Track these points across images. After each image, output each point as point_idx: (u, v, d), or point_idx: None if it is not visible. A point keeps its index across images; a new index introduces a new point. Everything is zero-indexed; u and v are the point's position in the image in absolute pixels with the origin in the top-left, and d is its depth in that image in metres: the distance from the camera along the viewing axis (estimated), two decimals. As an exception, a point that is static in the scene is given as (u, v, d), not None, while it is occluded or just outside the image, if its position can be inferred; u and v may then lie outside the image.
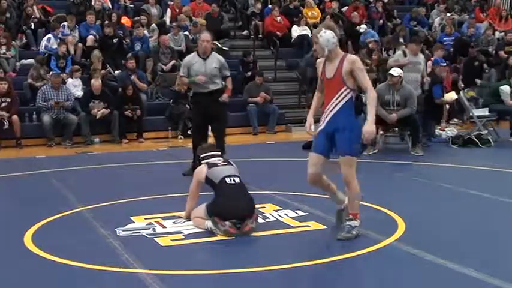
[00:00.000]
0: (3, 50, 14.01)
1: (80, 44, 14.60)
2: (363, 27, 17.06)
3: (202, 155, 6.28)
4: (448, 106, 13.32)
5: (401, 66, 10.89)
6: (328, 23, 5.65)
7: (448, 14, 18.79)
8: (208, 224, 5.78)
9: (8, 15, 15.19)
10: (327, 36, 5.37)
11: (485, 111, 12.22)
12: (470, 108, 12.41)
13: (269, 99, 14.16)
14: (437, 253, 5.07)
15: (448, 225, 6.13)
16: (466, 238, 5.71)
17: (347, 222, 5.58)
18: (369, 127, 5.39)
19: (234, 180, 5.90)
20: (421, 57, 11.51)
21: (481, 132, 11.54)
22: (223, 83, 8.74)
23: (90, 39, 14.75)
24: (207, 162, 6.12)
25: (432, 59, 12.89)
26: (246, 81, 14.58)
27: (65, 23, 14.86)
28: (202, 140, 8.44)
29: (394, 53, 15.98)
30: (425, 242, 5.39)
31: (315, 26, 17.12)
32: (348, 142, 5.41)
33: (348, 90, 5.40)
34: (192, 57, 8.74)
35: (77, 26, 14.99)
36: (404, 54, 11.25)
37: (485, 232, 5.91)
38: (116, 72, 14.20)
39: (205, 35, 8.70)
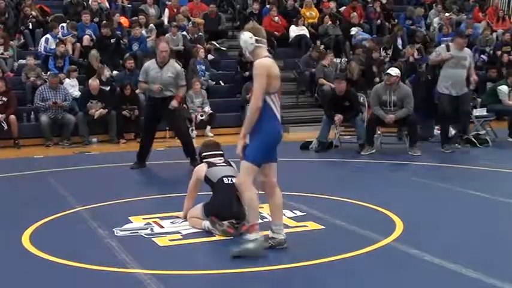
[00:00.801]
0: (1, 50, 14.00)
1: (78, 44, 14.59)
2: (354, 30, 17.01)
3: (204, 154, 6.26)
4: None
5: (443, 62, 10.36)
6: (250, 24, 5.37)
7: (447, 14, 18.80)
8: (206, 224, 5.78)
9: (6, 15, 15.16)
10: (244, 37, 5.18)
11: (483, 111, 12.23)
12: (468, 108, 12.41)
13: None
14: (435, 253, 5.07)
15: (446, 225, 6.13)
16: (464, 238, 5.71)
17: (245, 236, 5.26)
18: (238, 144, 5.10)
19: (231, 180, 5.90)
20: (467, 52, 10.67)
21: (479, 132, 11.55)
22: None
23: (86, 39, 14.74)
24: (207, 161, 6.11)
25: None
26: (244, 80, 14.57)
27: (64, 24, 14.83)
28: (149, 137, 9.43)
29: (393, 52, 16.07)
30: (423, 242, 5.40)
31: (313, 26, 17.21)
32: (251, 147, 5.08)
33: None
34: (150, 64, 9.30)
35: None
36: (448, 49, 10.46)
37: (483, 232, 5.91)
38: (114, 72, 14.19)
39: (163, 46, 9.30)
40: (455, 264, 4.82)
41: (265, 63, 5.10)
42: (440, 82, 10.46)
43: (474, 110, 12.37)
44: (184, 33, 15.58)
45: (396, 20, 18.51)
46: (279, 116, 5.18)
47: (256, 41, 5.16)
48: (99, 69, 13.49)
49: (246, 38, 5.16)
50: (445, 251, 5.15)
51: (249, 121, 5.08)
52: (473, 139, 11.20)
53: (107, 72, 13.50)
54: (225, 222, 5.67)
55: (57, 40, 14.17)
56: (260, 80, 5.04)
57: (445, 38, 17.21)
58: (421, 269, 4.85)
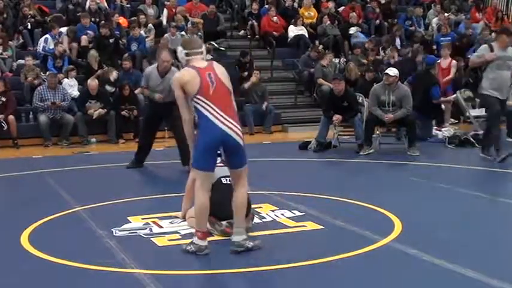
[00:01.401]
0: (0, 50, 13.99)
1: (74, 44, 14.56)
2: (352, 29, 17.00)
3: None
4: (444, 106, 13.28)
5: (486, 63, 9.34)
6: (183, 38, 5.48)
7: (446, 14, 18.80)
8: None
9: (4, 15, 15.14)
10: (178, 51, 5.38)
11: (482, 112, 12.22)
12: (467, 108, 12.42)
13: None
14: (434, 253, 5.07)
15: (445, 226, 6.13)
16: (463, 238, 5.71)
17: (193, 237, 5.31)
18: None
19: (229, 180, 5.89)
20: (511, 50, 9.50)
21: (478, 133, 11.54)
22: None
23: (84, 39, 14.71)
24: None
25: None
26: (243, 80, 14.57)
27: (63, 30, 14.75)
28: (149, 137, 9.54)
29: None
30: (422, 242, 5.40)
31: (311, 26, 17.21)
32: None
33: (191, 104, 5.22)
34: (151, 71, 9.37)
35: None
36: (491, 49, 9.37)
37: (482, 232, 5.91)
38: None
39: (166, 55, 9.23)
40: (454, 264, 4.82)
41: (175, 78, 5.28)
42: (485, 85, 9.39)
43: (472, 110, 12.37)
44: (183, 33, 15.57)
45: (396, 20, 18.49)
46: (217, 116, 5.08)
47: (187, 54, 5.28)
48: (106, 70, 13.50)
49: (178, 51, 5.36)
50: (444, 251, 5.15)
51: (186, 133, 5.33)
52: (471, 139, 11.20)
53: (115, 74, 13.51)
54: (224, 222, 5.67)
55: (56, 40, 14.17)
56: (176, 94, 5.23)
57: (443, 38, 17.25)
58: (420, 269, 4.85)
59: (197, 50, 5.30)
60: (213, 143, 5.13)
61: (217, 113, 5.09)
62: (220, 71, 5.27)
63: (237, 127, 5.17)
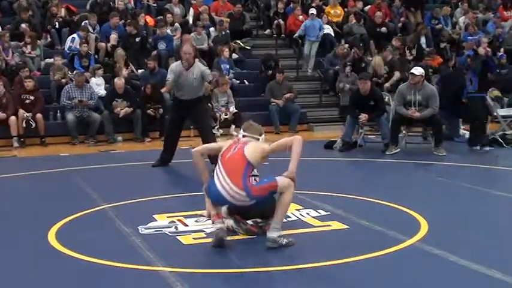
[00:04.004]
0: (29, 49, 14.15)
1: (102, 44, 14.67)
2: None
3: None
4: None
5: None
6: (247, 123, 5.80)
7: (473, 13, 18.58)
8: (230, 222, 5.78)
9: (30, 12, 15.26)
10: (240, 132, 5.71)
11: (509, 111, 12.09)
12: (494, 108, 12.28)
13: (293, 98, 14.15)
14: (460, 254, 5.03)
15: (471, 226, 6.08)
16: (490, 239, 5.65)
17: None
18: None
19: (255, 180, 5.90)
20: None
21: (506, 132, 11.42)
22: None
23: (113, 38, 14.81)
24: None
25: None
26: (268, 79, 14.58)
27: (86, 21, 14.89)
28: (174, 137, 9.55)
29: (417, 52, 15.86)
30: (448, 243, 5.35)
31: (337, 24, 17.13)
32: None
33: None
34: (177, 66, 9.35)
35: (98, 25, 15.10)
36: None
37: (509, 233, 5.85)
38: (139, 71, 14.29)
39: (187, 48, 9.34)
40: (481, 266, 4.77)
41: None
42: None
43: (500, 110, 12.24)
44: (212, 29, 15.65)
45: (421, 19, 18.31)
46: (219, 178, 5.37)
47: (244, 136, 5.62)
48: (118, 68, 13.56)
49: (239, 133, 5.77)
50: (470, 252, 5.10)
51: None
52: (499, 139, 11.09)
53: (125, 72, 13.55)
54: (249, 221, 5.68)
55: (82, 39, 14.26)
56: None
57: (471, 38, 17.04)
58: (446, 270, 4.81)
59: (253, 135, 5.61)
60: (212, 198, 5.43)
61: (222, 175, 5.34)
62: (249, 145, 5.47)
63: (233, 190, 5.27)
